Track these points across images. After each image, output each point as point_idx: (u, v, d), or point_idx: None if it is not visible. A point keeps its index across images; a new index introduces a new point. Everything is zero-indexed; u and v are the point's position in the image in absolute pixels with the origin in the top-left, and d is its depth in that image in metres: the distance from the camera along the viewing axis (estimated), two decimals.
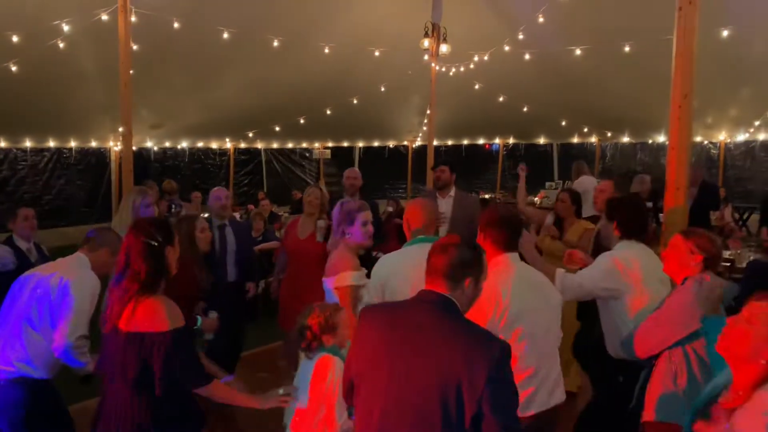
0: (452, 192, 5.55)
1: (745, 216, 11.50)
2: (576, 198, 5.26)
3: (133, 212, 4.68)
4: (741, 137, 12.60)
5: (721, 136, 12.71)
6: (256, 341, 6.43)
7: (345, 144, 16.09)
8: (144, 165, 12.39)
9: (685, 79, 3.76)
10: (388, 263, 3.22)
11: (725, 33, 7.64)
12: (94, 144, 12.08)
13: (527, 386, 2.62)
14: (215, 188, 5.51)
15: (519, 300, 2.67)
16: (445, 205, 5.51)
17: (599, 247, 3.99)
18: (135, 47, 6.70)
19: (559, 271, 3.33)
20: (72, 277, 3.13)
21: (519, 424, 1.99)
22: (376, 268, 3.21)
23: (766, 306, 1.84)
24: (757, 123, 11.45)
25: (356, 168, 6.24)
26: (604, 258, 3.34)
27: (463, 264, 2.13)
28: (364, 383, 2.15)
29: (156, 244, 2.55)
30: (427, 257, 2.21)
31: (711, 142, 12.98)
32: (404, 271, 3.03)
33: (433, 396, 1.96)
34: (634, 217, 3.43)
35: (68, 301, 3.06)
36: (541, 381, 2.70)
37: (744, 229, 10.59)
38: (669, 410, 2.69)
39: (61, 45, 7.25)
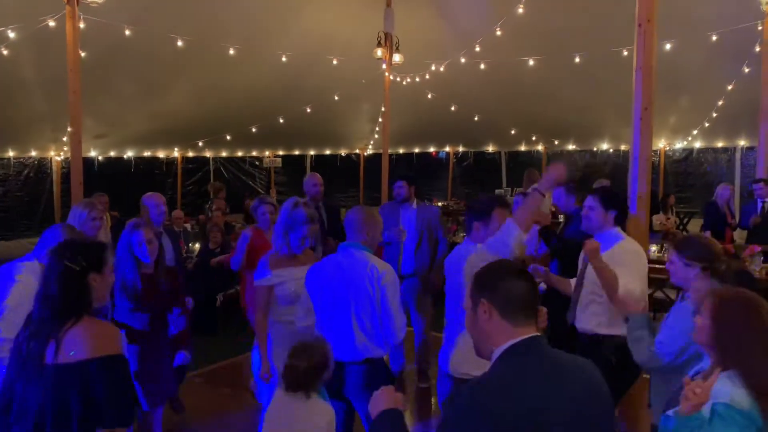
0: (415, 204, 5.61)
1: (685, 220, 12.00)
2: None
3: (79, 226, 4.51)
4: (679, 145, 13.18)
5: (661, 144, 13.25)
6: (217, 355, 6.29)
7: (296, 152, 15.98)
8: (87, 175, 11.92)
9: (646, 93, 3.92)
10: (311, 270, 3.41)
11: (668, 46, 7.97)
12: (33, 154, 11.57)
13: None
14: (150, 194, 5.17)
15: None
16: (410, 216, 5.56)
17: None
18: (81, 54, 6.49)
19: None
20: (20, 279, 2.97)
21: None
22: (306, 275, 3.42)
23: (709, 301, 2.10)
24: (695, 132, 12.00)
25: (315, 173, 6.18)
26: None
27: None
28: None
29: (78, 268, 2.26)
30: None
31: (652, 150, 13.50)
32: (322, 276, 3.28)
33: None
34: (627, 207, 3.70)
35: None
36: None
37: (685, 233, 11.04)
38: None
39: (5, 52, 6.93)
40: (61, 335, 2.16)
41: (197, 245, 8.21)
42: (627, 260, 3.35)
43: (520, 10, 7.70)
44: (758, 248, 6.64)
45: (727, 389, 1.95)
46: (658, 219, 10.44)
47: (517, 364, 1.73)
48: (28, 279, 3.05)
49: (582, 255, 3.68)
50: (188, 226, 9.71)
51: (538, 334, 1.77)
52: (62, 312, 2.21)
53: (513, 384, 1.67)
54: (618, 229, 3.57)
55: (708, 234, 8.01)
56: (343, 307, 3.16)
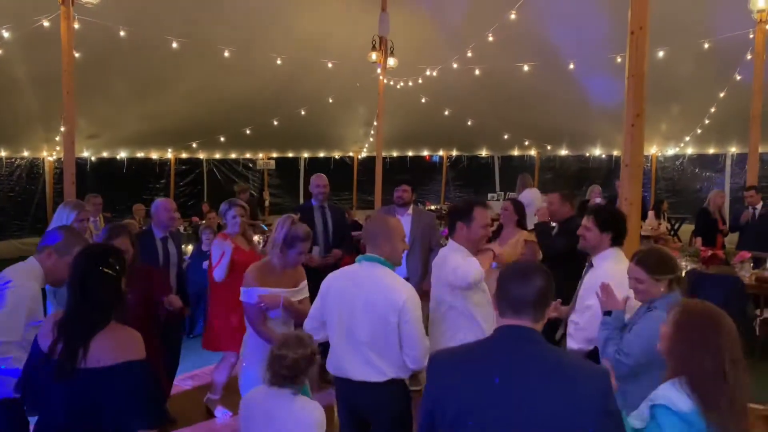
0: (410, 210, 5.61)
1: (676, 226, 12.07)
2: (519, 208, 5.45)
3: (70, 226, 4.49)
4: (671, 151, 13.27)
5: (653, 150, 13.34)
6: (206, 359, 6.26)
7: (290, 155, 15.98)
8: (80, 175, 11.88)
9: (637, 99, 3.95)
10: (328, 280, 3.22)
11: (660, 53, 8.03)
12: (26, 154, 11.54)
13: None
14: (162, 199, 5.28)
15: None
16: (405, 222, 5.55)
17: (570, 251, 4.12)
18: (76, 55, 6.48)
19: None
20: (13, 280, 2.97)
21: None
22: (322, 285, 3.23)
23: (676, 311, 2.16)
24: (687, 138, 12.09)
25: (321, 174, 6.11)
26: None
27: (549, 292, 1.96)
28: None
29: (114, 274, 2.33)
30: (497, 282, 1.99)
31: (643, 156, 13.60)
32: (338, 289, 3.09)
33: None
34: (625, 228, 3.55)
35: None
36: None
37: (675, 238, 11.11)
38: None
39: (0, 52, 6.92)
40: (89, 340, 2.20)
41: (189, 247, 8.18)
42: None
43: (513, 16, 7.74)
44: (748, 255, 6.69)
45: (668, 393, 2.03)
46: (650, 224, 10.50)
47: (476, 344, 2.06)
48: (25, 282, 3.03)
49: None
50: (181, 227, 9.68)
51: (520, 324, 1.89)
52: (101, 317, 2.25)
53: (453, 359, 2.01)
54: (614, 250, 3.47)
55: (699, 240, 8.09)
56: (358, 327, 2.98)
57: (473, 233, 3.39)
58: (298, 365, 2.59)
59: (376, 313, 2.93)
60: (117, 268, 2.35)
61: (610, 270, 3.29)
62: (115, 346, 2.20)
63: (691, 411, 1.98)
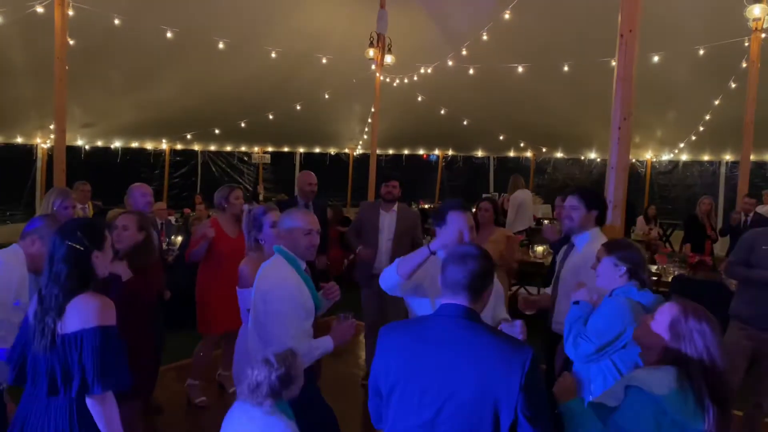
0: (396, 206, 5.64)
1: (668, 232, 12.08)
2: (497, 207, 5.53)
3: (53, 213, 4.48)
4: (665, 157, 13.29)
5: (648, 155, 13.35)
6: (188, 350, 6.24)
7: (285, 149, 15.95)
8: (73, 164, 11.84)
9: (625, 103, 3.94)
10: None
11: (655, 59, 8.03)
12: (19, 140, 11.48)
13: None
14: (137, 185, 5.18)
15: None
16: (390, 218, 5.60)
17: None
18: (70, 42, 6.45)
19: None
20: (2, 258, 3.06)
21: (552, 429, 2.06)
22: None
23: (667, 306, 2.24)
24: (681, 144, 12.10)
25: (311, 172, 6.10)
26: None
27: (484, 275, 2.13)
28: (395, 399, 2.14)
29: (81, 248, 2.41)
30: (442, 268, 2.18)
31: (638, 161, 13.64)
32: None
33: (471, 408, 1.98)
34: (606, 205, 3.67)
35: None
36: None
37: (667, 245, 11.12)
38: None
39: None
40: (61, 311, 2.34)
41: (179, 238, 8.16)
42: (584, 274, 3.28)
43: (507, 16, 7.73)
44: None
45: (645, 376, 2.10)
46: (641, 230, 10.52)
47: (417, 319, 2.37)
48: (13, 259, 3.12)
49: (558, 258, 3.72)
50: (173, 218, 9.66)
51: (456, 303, 2.11)
52: (70, 289, 2.37)
53: (394, 332, 2.22)
54: (597, 230, 3.55)
55: (688, 246, 8.10)
56: (251, 311, 3.13)
57: (449, 239, 3.04)
58: (259, 387, 2.40)
59: (255, 298, 3.03)
60: (86, 242, 2.43)
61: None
62: (83, 312, 2.33)
63: (667, 397, 2.01)
